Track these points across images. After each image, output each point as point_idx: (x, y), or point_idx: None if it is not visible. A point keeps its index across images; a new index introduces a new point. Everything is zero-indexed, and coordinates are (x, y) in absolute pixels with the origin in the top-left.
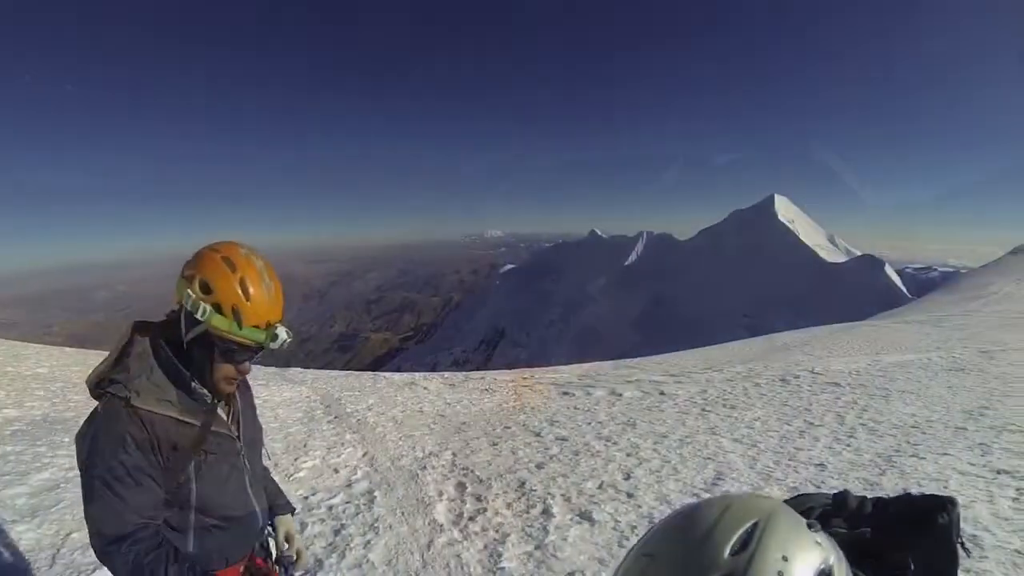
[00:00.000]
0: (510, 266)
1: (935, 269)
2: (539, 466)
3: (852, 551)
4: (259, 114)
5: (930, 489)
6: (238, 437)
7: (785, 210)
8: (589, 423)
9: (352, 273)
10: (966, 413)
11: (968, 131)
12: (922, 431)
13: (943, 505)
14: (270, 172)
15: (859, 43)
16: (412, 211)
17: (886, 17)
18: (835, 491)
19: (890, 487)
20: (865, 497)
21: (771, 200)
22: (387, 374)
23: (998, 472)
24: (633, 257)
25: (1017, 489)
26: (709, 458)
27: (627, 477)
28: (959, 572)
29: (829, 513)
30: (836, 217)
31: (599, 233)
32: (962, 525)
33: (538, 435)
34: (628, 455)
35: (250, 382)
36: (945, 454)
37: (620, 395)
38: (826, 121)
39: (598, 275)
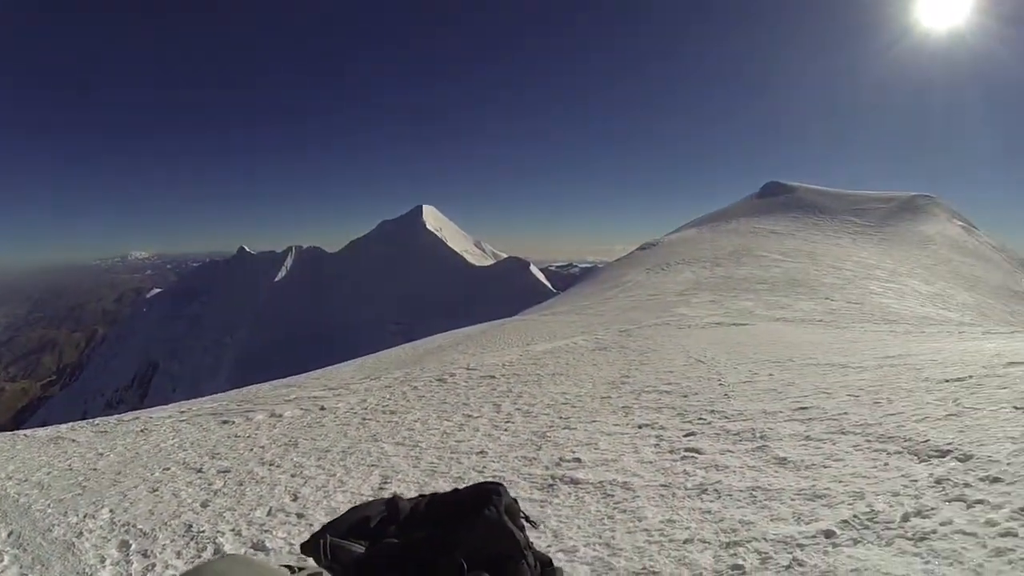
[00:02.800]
0: (157, 290)
1: (576, 266)
2: (204, 504)
3: (407, 560)
4: None
5: (582, 452)
6: None
7: (433, 219)
8: (251, 449)
9: None
10: (610, 384)
11: (597, 143)
12: (572, 405)
13: (488, 496)
14: None
15: (489, 60)
16: (41, 232)
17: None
18: (391, 496)
19: (546, 459)
20: (421, 496)
21: (419, 210)
22: (28, 431)
23: (640, 427)
24: (283, 273)
25: (657, 437)
26: (374, 465)
27: (295, 498)
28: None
29: (386, 520)
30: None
31: (247, 250)
32: (603, 478)
33: (200, 471)
34: (293, 476)
35: None
36: (593, 421)
37: (280, 416)
38: (474, 134)
39: (249, 294)
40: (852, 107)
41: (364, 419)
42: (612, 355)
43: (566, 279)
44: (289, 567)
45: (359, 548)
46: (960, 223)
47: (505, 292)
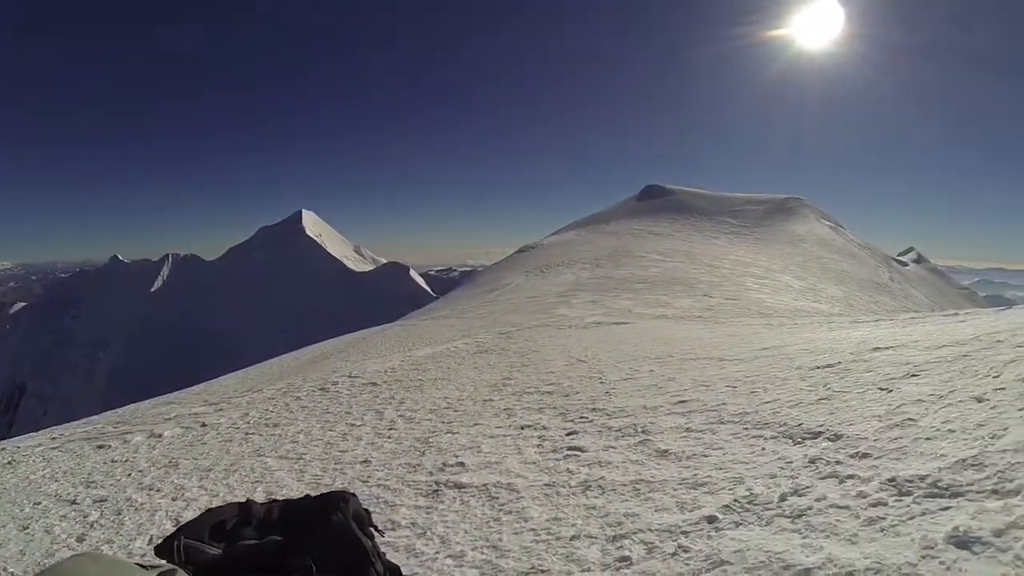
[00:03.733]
0: (21, 304)
1: (455, 270)
2: (80, 539)
3: (260, 561)
4: None
5: (465, 456)
6: None
7: (312, 224)
8: (129, 474)
9: None
10: (492, 387)
11: (476, 146)
12: (454, 409)
13: (336, 503)
14: None
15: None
16: None
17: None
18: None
19: (430, 465)
20: (274, 502)
21: (298, 215)
22: None
23: (522, 428)
24: (159, 283)
25: (540, 437)
26: (258, 481)
27: (176, 523)
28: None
29: (240, 523)
30: (361, 229)
31: (121, 258)
32: (487, 480)
33: (74, 503)
34: (174, 499)
35: None
36: (476, 424)
37: (160, 436)
38: (350, 138)
39: (124, 305)
40: (731, 114)
41: (247, 434)
42: (493, 358)
43: (446, 283)
44: (142, 565)
45: (215, 550)
46: (828, 223)
47: (386, 297)
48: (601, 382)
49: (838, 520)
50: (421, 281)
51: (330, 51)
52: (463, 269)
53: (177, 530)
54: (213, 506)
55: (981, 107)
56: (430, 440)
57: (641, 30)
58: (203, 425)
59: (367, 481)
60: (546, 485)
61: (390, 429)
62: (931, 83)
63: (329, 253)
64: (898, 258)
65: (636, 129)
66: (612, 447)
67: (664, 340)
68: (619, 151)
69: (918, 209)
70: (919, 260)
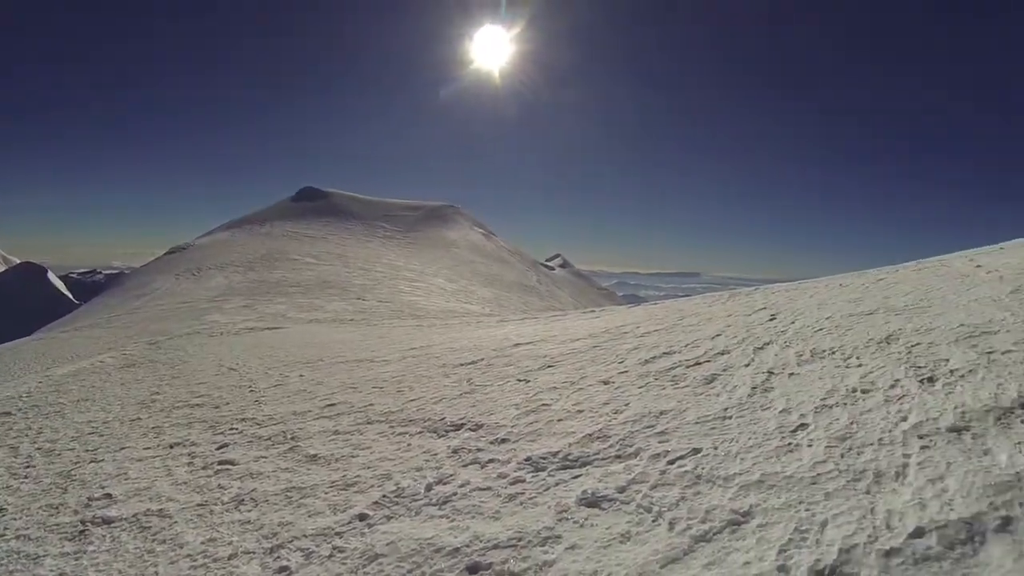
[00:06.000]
0: None
1: (100, 272)
2: None
3: None
4: None
5: (112, 486)
6: None
7: None
8: None
9: None
10: (140, 404)
11: (124, 132)
12: (99, 434)
13: None
14: None
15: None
16: None
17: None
18: None
19: (74, 502)
20: None
21: None
22: None
23: (171, 446)
24: None
25: (190, 455)
26: None
27: None
28: None
29: None
30: None
31: None
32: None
33: None
34: None
35: None
36: (123, 448)
37: None
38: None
39: None
40: (400, 123)
41: None
42: (142, 372)
43: (90, 288)
44: None
45: None
46: (481, 230)
47: (21, 304)
48: (251, 390)
49: (482, 501)
50: (61, 285)
51: None
52: (109, 271)
53: None
54: None
55: (618, 128)
56: (73, 473)
57: (316, 32)
58: None
59: (3, 535)
60: (199, 505)
61: (27, 467)
62: (579, 105)
63: None
64: (545, 263)
65: (296, 129)
66: (263, 457)
67: (315, 344)
68: (276, 150)
69: (565, 219)
70: (565, 265)
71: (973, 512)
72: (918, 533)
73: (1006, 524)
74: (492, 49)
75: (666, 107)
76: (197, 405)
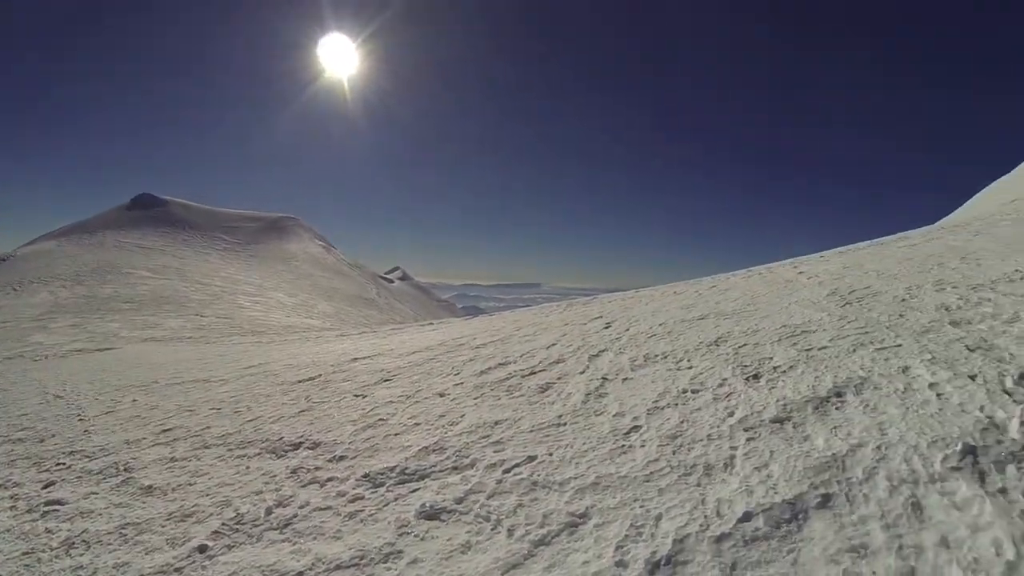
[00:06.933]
0: None
1: None
2: None
3: None
4: None
5: None
6: None
7: None
8: None
9: None
10: None
11: None
12: None
13: None
14: None
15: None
16: None
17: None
18: None
19: None
20: None
21: None
22: None
23: None
24: None
25: (12, 497)
26: None
27: None
28: None
29: None
30: None
31: None
32: None
33: None
34: None
35: None
36: None
37: None
38: None
39: None
40: (236, 126)
41: None
42: None
43: None
44: None
45: None
46: (321, 243)
47: None
48: (80, 419)
49: (322, 521)
50: None
51: None
52: None
53: None
54: None
55: (460, 139)
56: None
57: (156, 33)
58: None
59: None
60: (24, 554)
61: None
62: (419, 117)
63: None
64: (385, 276)
65: (133, 131)
66: (94, 493)
67: (150, 365)
68: (110, 154)
69: (405, 232)
70: (404, 278)
71: (796, 493)
72: (746, 517)
73: (826, 501)
74: (338, 58)
75: (509, 117)
76: (19, 440)
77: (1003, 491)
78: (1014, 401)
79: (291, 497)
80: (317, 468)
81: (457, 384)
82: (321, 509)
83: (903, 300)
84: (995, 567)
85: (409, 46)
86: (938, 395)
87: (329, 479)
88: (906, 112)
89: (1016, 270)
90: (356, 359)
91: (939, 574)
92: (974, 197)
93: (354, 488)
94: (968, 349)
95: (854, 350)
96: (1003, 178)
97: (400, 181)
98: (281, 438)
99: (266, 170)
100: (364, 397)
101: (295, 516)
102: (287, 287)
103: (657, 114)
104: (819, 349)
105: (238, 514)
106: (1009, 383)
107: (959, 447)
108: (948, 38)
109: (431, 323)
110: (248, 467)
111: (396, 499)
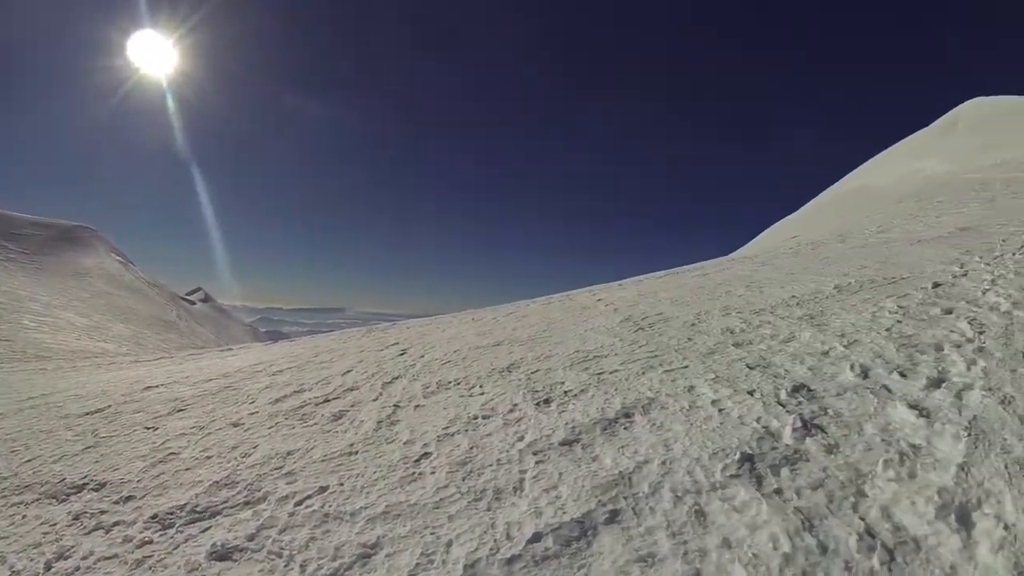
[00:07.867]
0: None
1: None
2: None
3: None
4: None
5: None
6: None
7: None
8: None
9: None
10: None
11: None
12: None
13: None
14: None
15: None
16: None
17: None
18: None
19: None
20: None
21: None
22: None
23: None
24: None
25: None
26: None
27: None
28: None
29: None
30: None
31: None
32: None
33: None
34: None
35: None
36: None
37: None
38: None
39: None
40: (31, 125)
41: None
42: None
43: None
44: None
45: None
46: (119, 258)
47: None
48: None
49: (107, 573)
50: None
51: None
52: None
53: None
54: None
55: (275, 151)
56: None
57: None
58: None
59: None
60: None
61: None
62: (225, 130)
63: None
64: (186, 297)
65: None
66: None
67: None
68: None
69: (208, 250)
70: (206, 299)
71: (584, 511)
72: (536, 538)
73: (614, 516)
74: (154, 56)
75: (326, 128)
76: None
77: (778, 491)
78: (787, 411)
79: (73, 548)
80: (102, 512)
81: (252, 413)
82: (106, 559)
83: (692, 325)
84: (773, 560)
85: (231, 43)
86: (720, 410)
87: (115, 523)
88: (712, 160)
89: (792, 296)
90: (150, 387)
91: (723, 572)
92: (762, 233)
93: (142, 532)
94: (748, 367)
95: (643, 373)
96: (787, 217)
97: (209, 194)
98: (63, 479)
99: (62, 175)
100: (155, 429)
101: (77, 569)
102: (79, 306)
103: (462, 138)
104: (610, 373)
105: (13, 572)
106: (783, 395)
107: (737, 456)
108: (742, 94)
109: (231, 348)
110: (25, 515)
111: (186, 540)
